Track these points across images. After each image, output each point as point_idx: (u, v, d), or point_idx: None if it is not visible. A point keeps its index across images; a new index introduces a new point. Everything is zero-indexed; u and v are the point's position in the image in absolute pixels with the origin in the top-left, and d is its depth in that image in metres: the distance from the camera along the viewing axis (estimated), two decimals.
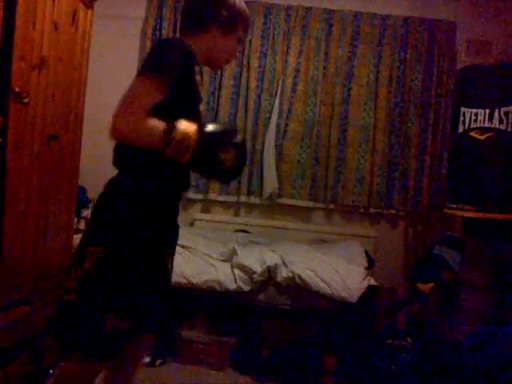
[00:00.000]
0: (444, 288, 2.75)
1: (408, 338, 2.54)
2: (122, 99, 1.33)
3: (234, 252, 2.96)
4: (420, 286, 2.91)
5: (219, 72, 3.77)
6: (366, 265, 3.10)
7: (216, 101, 3.83)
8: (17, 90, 1.91)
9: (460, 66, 3.44)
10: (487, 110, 2.52)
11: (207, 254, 3.01)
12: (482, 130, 2.52)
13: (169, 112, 1.36)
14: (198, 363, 2.82)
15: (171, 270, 1.65)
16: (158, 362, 2.78)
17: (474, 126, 2.55)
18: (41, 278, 2.27)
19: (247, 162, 3.58)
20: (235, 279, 2.85)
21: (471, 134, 2.56)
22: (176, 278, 2.74)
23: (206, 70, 3.66)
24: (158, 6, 3.85)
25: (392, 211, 3.83)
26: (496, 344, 2.09)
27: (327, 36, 3.80)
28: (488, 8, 3.79)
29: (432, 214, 3.71)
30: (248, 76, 3.80)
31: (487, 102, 2.53)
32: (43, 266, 2.28)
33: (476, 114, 2.55)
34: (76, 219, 2.87)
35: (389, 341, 2.54)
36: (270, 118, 3.84)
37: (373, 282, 2.91)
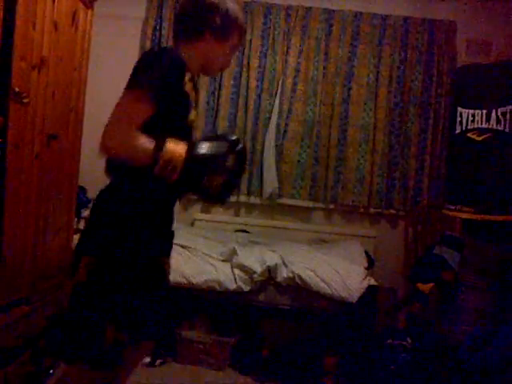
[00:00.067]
0: (444, 288, 2.75)
1: (408, 338, 2.53)
2: (111, 115, 1.32)
3: (234, 252, 2.96)
4: (420, 285, 2.90)
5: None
6: (365, 265, 3.10)
7: (216, 101, 3.83)
8: (17, 89, 1.91)
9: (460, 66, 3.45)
10: (484, 111, 2.51)
11: (207, 253, 3.01)
12: (480, 131, 2.52)
13: (158, 125, 1.35)
14: (198, 363, 2.82)
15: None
16: (158, 362, 2.78)
17: (472, 127, 2.55)
18: (40, 278, 2.27)
19: (247, 163, 3.57)
20: (235, 279, 2.85)
21: (469, 135, 2.56)
22: (176, 277, 2.74)
23: None
24: (158, 6, 3.85)
25: (392, 211, 3.83)
26: (496, 344, 2.09)
27: (327, 36, 3.80)
28: (488, 8, 3.79)
29: (432, 214, 3.70)
30: (248, 76, 3.80)
31: (484, 103, 2.52)
32: (43, 266, 2.28)
33: (473, 115, 2.55)
34: (76, 219, 2.87)
35: (389, 341, 2.54)
36: (270, 118, 3.84)
37: (373, 281, 2.91)
